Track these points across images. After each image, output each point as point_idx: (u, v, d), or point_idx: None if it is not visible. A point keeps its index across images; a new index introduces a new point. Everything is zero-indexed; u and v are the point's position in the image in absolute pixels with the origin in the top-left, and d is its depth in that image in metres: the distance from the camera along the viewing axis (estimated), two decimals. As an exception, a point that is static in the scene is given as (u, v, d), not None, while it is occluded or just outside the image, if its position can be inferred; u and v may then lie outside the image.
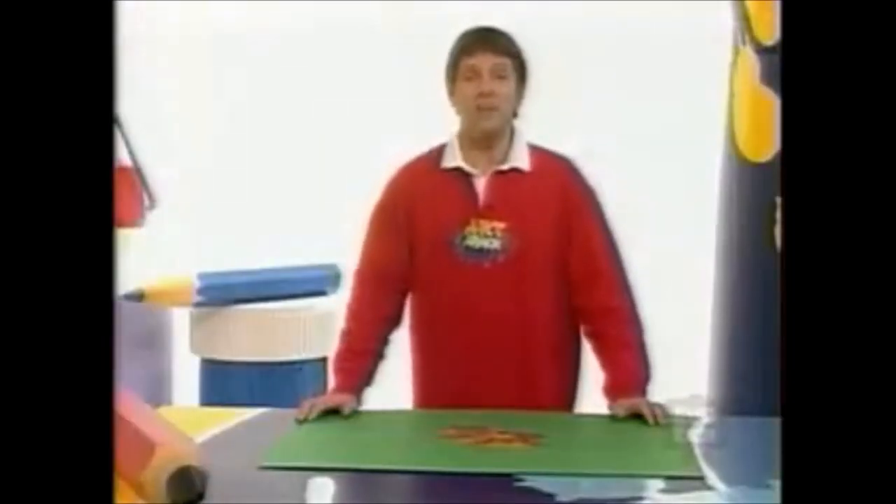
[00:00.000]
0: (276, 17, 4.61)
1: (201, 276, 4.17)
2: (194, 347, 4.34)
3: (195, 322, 4.32)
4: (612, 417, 2.58)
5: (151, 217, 3.70)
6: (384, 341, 2.71)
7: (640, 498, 2.03)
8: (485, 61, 2.61)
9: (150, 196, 3.45)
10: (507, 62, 2.63)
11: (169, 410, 2.81)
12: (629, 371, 2.64)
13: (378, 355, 2.70)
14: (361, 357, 2.68)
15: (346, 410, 2.57)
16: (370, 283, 2.71)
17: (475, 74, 2.61)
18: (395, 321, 2.73)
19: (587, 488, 2.04)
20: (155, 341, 4.30)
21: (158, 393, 4.13)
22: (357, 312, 2.72)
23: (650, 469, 2.19)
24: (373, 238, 2.73)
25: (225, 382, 4.22)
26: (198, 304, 4.23)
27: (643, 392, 2.62)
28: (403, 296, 2.73)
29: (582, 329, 2.73)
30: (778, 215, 2.96)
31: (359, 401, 2.62)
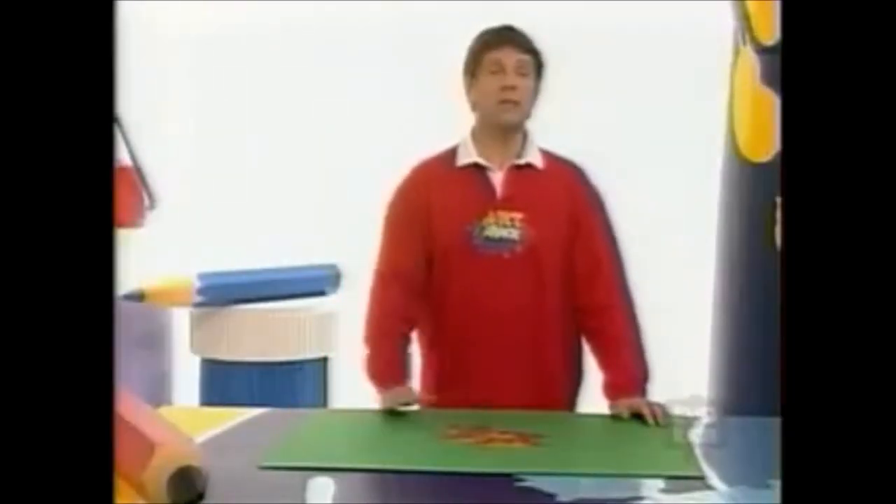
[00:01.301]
0: (276, 17, 4.61)
1: (201, 276, 4.18)
2: (194, 347, 4.34)
3: (195, 322, 4.32)
4: (613, 417, 2.58)
5: (151, 217, 3.70)
6: (408, 341, 2.73)
7: (640, 498, 2.02)
8: (509, 56, 2.64)
9: (150, 196, 3.45)
10: (529, 59, 2.66)
11: (169, 410, 2.81)
12: (628, 369, 2.66)
13: (406, 353, 2.71)
14: (392, 355, 2.69)
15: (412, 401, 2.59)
16: (392, 286, 2.71)
17: (500, 68, 2.64)
18: (415, 322, 2.74)
19: (587, 488, 2.04)
20: (155, 341, 4.31)
21: (158, 393, 4.13)
22: (386, 312, 2.71)
23: (650, 469, 2.19)
24: (390, 242, 2.73)
25: (225, 382, 4.22)
26: (198, 305, 4.24)
27: (643, 391, 2.62)
28: (422, 297, 2.73)
29: (581, 329, 2.74)
30: (778, 215, 2.96)
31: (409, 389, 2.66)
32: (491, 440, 2.36)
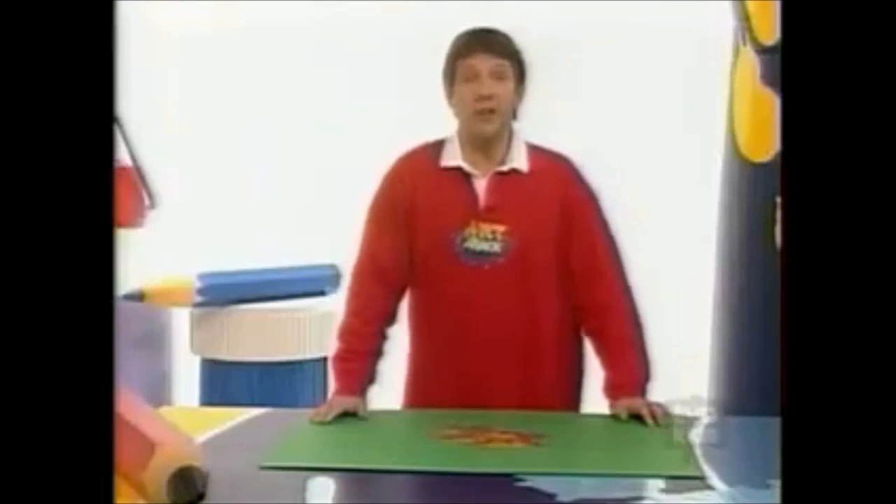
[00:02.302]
0: (276, 17, 4.61)
1: (201, 276, 4.17)
2: (194, 347, 4.34)
3: (195, 322, 4.32)
4: (613, 417, 2.58)
5: (151, 217, 3.70)
6: (385, 339, 2.71)
7: (641, 498, 2.03)
8: (483, 62, 2.58)
9: (150, 196, 3.45)
10: (505, 63, 2.60)
11: (169, 410, 2.81)
12: (630, 370, 2.64)
13: (380, 353, 2.69)
14: (365, 357, 2.67)
15: (361, 412, 2.57)
16: (370, 280, 2.70)
17: (474, 76, 2.58)
18: (394, 318, 2.73)
19: (587, 488, 2.04)
20: (155, 341, 4.31)
21: (158, 393, 4.13)
22: (357, 310, 2.71)
23: (650, 469, 2.19)
24: (371, 234, 2.71)
25: (225, 382, 4.22)
26: (198, 305, 4.23)
27: (643, 392, 2.62)
28: (402, 292, 2.72)
29: (582, 328, 2.73)
30: (778, 215, 2.96)
31: (364, 401, 2.62)
32: (491, 440, 2.36)
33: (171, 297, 4.19)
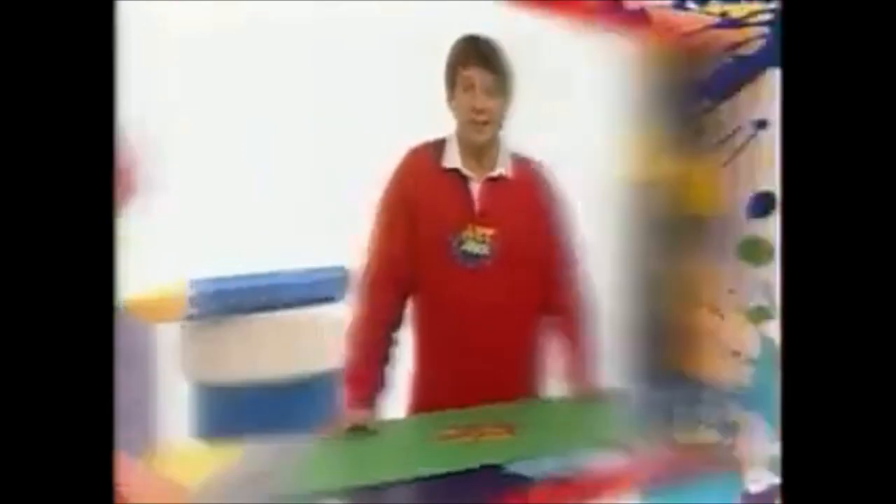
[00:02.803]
0: (277, 16, 4.61)
1: (194, 283, 3.78)
2: (186, 369, 3.88)
3: (187, 338, 3.87)
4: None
5: (151, 217, 3.66)
6: (392, 344, 2.72)
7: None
8: (479, 76, 2.65)
9: (146, 193, 3.44)
10: (498, 80, 2.66)
11: (167, 447, 2.63)
12: (578, 361, 2.77)
13: (388, 359, 2.71)
14: (377, 365, 2.69)
15: (370, 425, 2.55)
16: (381, 286, 2.72)
17: (470, 87, 2.65)
18: (401, 322, 2.75)
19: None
20: (134, 362, 3.97)
21: (142, 425, 3.83)
22: (370, 317, 2.71)
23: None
24: (382, 237, 2.73)
25: (223, 409, 3.77)
26: (190, 317, 3.80)
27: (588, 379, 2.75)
28: (408, 295, 2.75)
29: (545, 321, 2.81)
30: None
31: (374, 412, 2.62)
32: (483, 434, 2.40)
33: (157, 309, 3.64)
